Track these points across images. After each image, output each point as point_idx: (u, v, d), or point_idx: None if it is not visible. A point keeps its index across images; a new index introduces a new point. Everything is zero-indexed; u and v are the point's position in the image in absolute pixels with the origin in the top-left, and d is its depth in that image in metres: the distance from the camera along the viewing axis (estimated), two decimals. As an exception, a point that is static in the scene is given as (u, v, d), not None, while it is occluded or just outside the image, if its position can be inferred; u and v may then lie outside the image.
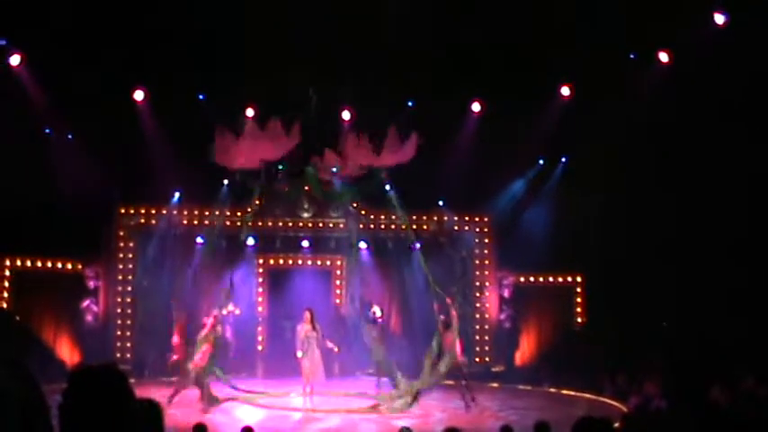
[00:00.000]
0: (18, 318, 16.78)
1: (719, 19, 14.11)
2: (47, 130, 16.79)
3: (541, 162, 18.81)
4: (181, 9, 14.63)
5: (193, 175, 16.99)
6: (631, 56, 15.68)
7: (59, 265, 17.57)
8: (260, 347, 19.12)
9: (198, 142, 16.21)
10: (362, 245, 18.50)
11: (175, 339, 14.12)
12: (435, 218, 18.92)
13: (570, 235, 17.76)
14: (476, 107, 17.81)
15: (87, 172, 16.28)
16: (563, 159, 18.61)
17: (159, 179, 17.51)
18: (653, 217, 16.75)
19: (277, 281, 19.62)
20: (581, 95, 16.78)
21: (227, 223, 17.70)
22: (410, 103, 17.09)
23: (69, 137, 16.81)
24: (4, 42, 14.77)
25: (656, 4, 14.04)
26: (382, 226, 18.51)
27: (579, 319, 19.22)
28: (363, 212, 18.19)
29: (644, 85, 15.40)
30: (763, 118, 14.62)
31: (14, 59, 15.31)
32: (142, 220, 18.21)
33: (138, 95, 16.88)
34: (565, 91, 17.17)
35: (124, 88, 16.50)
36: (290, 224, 18.86)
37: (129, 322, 17.86)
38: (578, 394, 15.98)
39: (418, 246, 19.26)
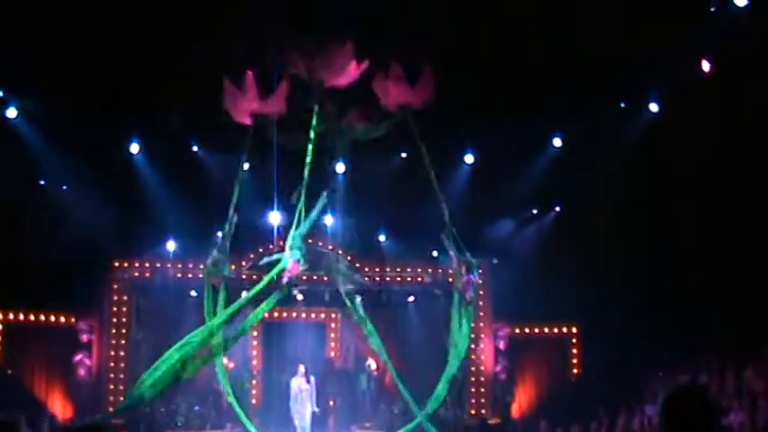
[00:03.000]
0: (10, 371, 16.69)
1: (706, 66, 14.34)
2: (41, 182, 16.84)
3: (535, 212, 18.90)
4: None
5: (188, 229, 17.06)
6: (621, 105, 15.91)
7: (52, 319, 17.51)
8: (254, 401, 18.97)
9: (193, 194, 16.36)
10: (358, 298, 18.45)
11: None
12: (430, 269, 18.91)
13: (565, 285, 17.75)
14: (468, 158, 17.94)
15: (82, 224, 16.31)
16: (557, 208, 18.70)
17: (154, 232, 17.56)
18: (647, 266, 16.81)
19: (271, 334, 19.53)
20: (573, 145, 16.93)
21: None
22: (403, 154, 17.19)
23: (64, 188, 16.88)
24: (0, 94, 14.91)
25: (644, 53, 14.27)
26: (377, 279, 18.51)
27: (575, 370, 19.14)
28: (357, 266, 18.18)
29: (634, 133, 15.61)
30: (752, 166, 14.77)
31: (11, 112, 15.45)
32: (136, 274, 18.18)
33: (134, 148, 16.98)
34: (557, 141, 17.33)
35: (120, 141, 16.60)
36: (285, 277, 18.79)
37: (122, 376, 17.73)
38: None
39: (412, 299, 19.41)
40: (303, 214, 13.03)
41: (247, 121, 12.57)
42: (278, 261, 13.19)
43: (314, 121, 12.80)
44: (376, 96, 12.79)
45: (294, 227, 13.08)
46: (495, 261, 13.92)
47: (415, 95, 12.84)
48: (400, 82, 12.63)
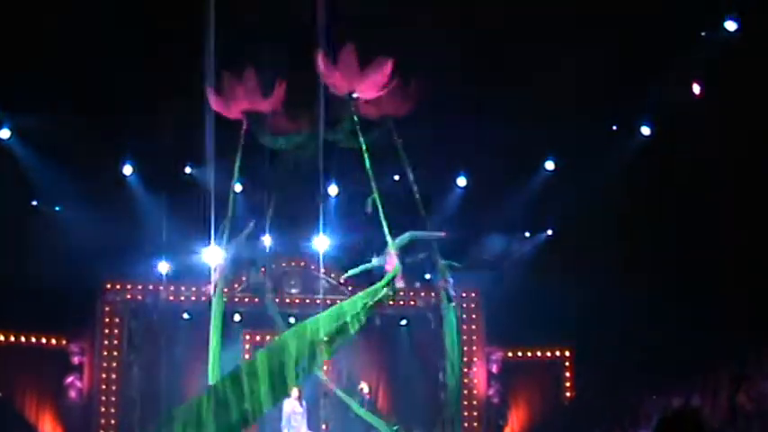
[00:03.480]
0: (0, 394, 16.56)
1: (697, 89, 14.48)
2: (34, 203, 16.84)
3: (527, 235, 18.94)
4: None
5: (181, 251, 17.06)
6: (614, 128, 16.02)
7: (44, 341, 17.43)
8: (247, 424, 18.83)
9: (186, 216, 16.35)
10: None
11: None
12: (422, 293, 18.88)
13: (557, 308, 17.75)
14: (461, 181, 18.01)
15: (74, 245, 16.30)
16: (548, 232, 18.75)
17: (146, 254, 17.56)
18: (640, 288, 16.82)
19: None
20: (565, 168, 17.03)
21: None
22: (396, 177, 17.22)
23: (57, 209, 16.89)
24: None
25: (636, 76, 14.41)
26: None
27: (568, 394, 19.09)
28: (350, 289, 18.19)
29: (626, 157, 15.72)
30: (745, 187, 14.87)
31: (4, 133, 15.51)
32: (128, 296, 18.12)
33: (127, 170, 17.01)
34: (549, 165, 17.43)
35: (113, 162, 16.65)
36: (277, 300, 18.78)
37: (113, 399, 17.62)
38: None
39: (404, 322, 19.36)
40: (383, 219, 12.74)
41: (239, 116, 12.47)
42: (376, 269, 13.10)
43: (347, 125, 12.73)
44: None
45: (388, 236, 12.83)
46: (457, 265, 13.59)
47: (398, 105, 12.81)
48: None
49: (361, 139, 12.45)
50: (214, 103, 12.33)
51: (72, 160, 15.46)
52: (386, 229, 12.70)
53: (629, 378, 17.13)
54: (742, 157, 14.50)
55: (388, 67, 12.08)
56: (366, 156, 12.47)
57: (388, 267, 12.60)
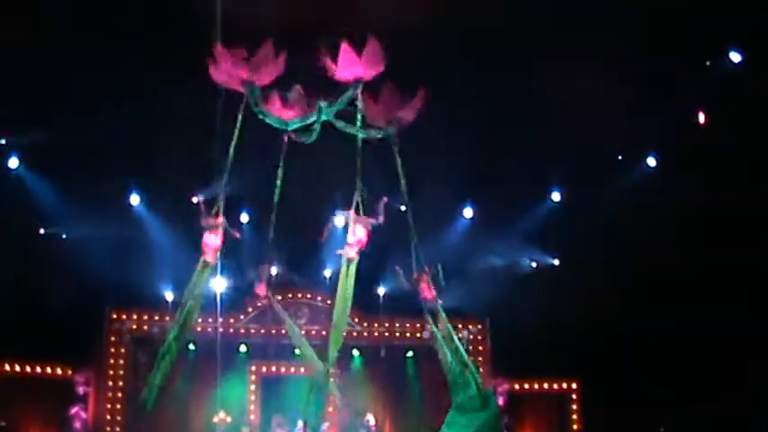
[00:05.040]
0: (5, 424, 16.51)
1: (701, 118, 14.55)
2: (41, 231, 16.91)
3: (534, 264, 18.90)
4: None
5: (187, 280, 17.03)
6: (619, 157, 16.08)
7: (48, 370, 17.37)
8: (252, 457, 18.74)
9: (192, 246, 16.35)
10: (355, 352, 18.47)
11: None
12: (428, 325, 18.78)
13: (565, 340, 17.68)
14: (467, 212, 18.04)
15: (80, 274, 16.32)
16: (555, 261, 18.72)
17: (152, 284, 17.55)
18: (649, 320, 16.76)
19: (270, 389, 19.36)
20: (571, 198, 17.06)
21: (220, 330, 17.74)
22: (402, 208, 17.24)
23: (63, 237, 16.95)
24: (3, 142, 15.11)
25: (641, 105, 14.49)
26: (375, 333, 18.48)
27: (575, 426, 18.92)
28: (357, 320, 18.18)
29: (632, 186, 15.76)
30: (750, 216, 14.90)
31: (12, 162, 15.65)
32: (134, 326, 18.08)
33: (134, 200, 17.11)
34: (555, 196, 17.46)
35: (120, 191, 16.75)
36: (284, 331, 18.66)
37: (118, 429, 17.54)
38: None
39: (411, 354, 19.28)
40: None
41: (239, 88, 11.81)
42: None
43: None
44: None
45: None
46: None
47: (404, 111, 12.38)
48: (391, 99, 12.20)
49: (360, 132, 12.19)
50: (215, 72, 11.77)
51: (79, 188, 15.54)
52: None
53: (638, 410, 17.02)
54: (748, 184, 14.55)
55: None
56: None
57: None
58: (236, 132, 11.84)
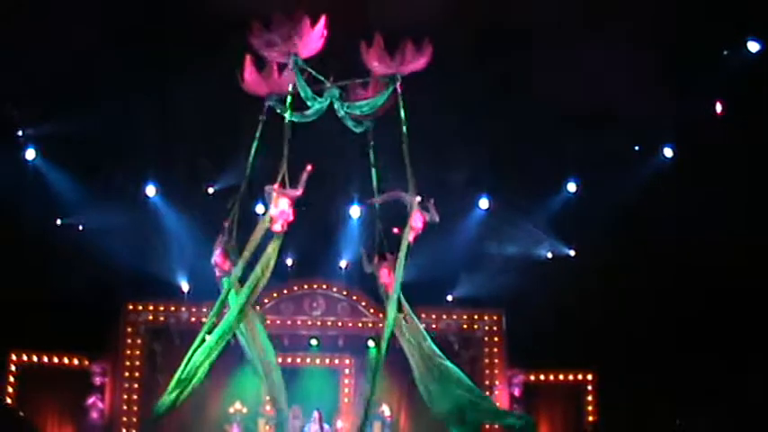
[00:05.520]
0: (22, 413, 16.58)
1: (719, 108, 14.49)
2: (58, 221, 16.99)
3: (549, 255, 18.86)
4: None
5: (203, 271, 17.08)
6: (636, 148, 16.02)
7: (66, 361, 17.46)
8: (267, 447, 18.80)
9: (209, 237, 16.40)
10: (371, 343, 18.46)
11: None
12: (444, 316, 18.81)
13: (581, 330, 17.64)
14: (483, 203, 18.02)
15: (96, 265, 16.40)
16: (571, 252, 18.67)
17: (169, 275, 17.62)
18: (664, 311, 16.70)
19: (285, 380, 19.33)
20: (586, 188, 17.02)
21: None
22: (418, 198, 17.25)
23: (80, 228, 17.03)
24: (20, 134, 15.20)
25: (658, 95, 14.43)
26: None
27: (591, 418, 18.88)
28: (372, 311, 18.20)
29: (648, 176, 15.71)
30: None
31: (30, 153, 15.74)
32: (150, 317, 18.15)
33: (150, 191, 17.17)
34: (571, 186, 17.42)
35: (137, 182, 16.81)
36: (299, 322, 18.76)
37: (135, 420, 17.62)
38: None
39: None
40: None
41: (262, 93, 12.12)
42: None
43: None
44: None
45: None
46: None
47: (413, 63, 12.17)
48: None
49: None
50: (249, 76, 12.03)
51: (96, 179, 15.62)
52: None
53: (653, 402, 16.96)
54: (762, 176, 14.48)
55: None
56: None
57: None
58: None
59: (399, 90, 12.06)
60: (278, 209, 11.54)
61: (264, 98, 12.13)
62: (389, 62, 11.97)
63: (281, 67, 11.93)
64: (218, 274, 12.18)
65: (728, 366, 15.78)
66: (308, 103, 11.93)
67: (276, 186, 11.57)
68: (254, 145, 11.96)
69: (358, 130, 12.63)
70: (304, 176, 11.63)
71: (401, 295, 12.34)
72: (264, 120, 12.01)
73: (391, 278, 12.37)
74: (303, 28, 11.49)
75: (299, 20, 11.43)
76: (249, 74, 12.01)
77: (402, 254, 11.88)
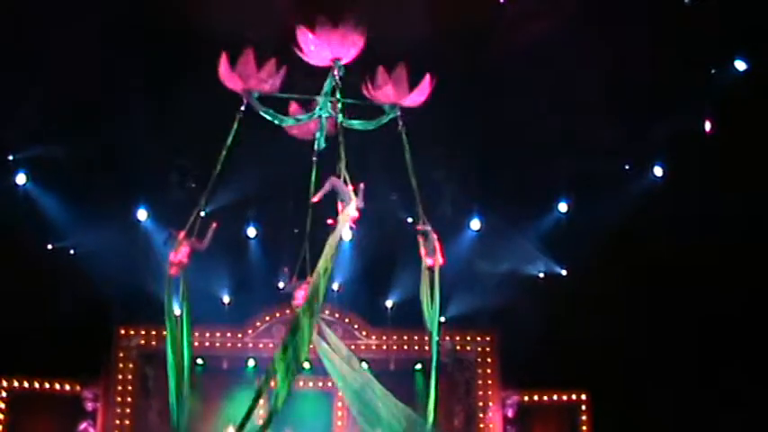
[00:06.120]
0: (14, 441, 16.55)
1: (707, 126, 14.60)
2: (49, 246, 16.96)
3: (541, 275, 18.86)
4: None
5: (193, 296, 17.04)
6: (626, 167, 16.09)
7: (57, 386, 17.36)
8: (260, 471, 18.67)
9: (201, 261, 16.38)
10: (363, 365, 18.36)
11: None
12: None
13: (574, 350, 17.62)
14: (474, 224, 18.04)
15: (88, 291, 16.36)
16: (563, 272, 18.69)
17: (160, 299, 17.52)
18: (657, 329, 16.72)
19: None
20: (578, 207, 17.07)
21: (228, 345, 17.85)
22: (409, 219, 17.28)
23: (72, 252, 16.99)
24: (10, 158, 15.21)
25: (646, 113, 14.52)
26: (384, 346, 18.44)
27: (585, 439, 18.85)
28: (365, 334, 18.18)
29: (639, 195, 15.77)
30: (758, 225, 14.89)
31: (20, 178, 15.75)
32: (142, 342, 18.08)
33: (141, 215, 17.17)
34: (562, 207, 17.47)
35: (127, 206, 16.80)
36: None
37: (126, 445, 17.56)
38: None
39: (419, 366, 19.22)
40: None
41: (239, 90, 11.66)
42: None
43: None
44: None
45: None
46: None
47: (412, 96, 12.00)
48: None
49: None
50: (224, 74, 11.55)
51: (87, 203, 15.61)
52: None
53: (647, 422, 16.94)
54: (752, 193, 14.56)
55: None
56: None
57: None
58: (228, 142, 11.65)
59: (401, 122, 11.89)
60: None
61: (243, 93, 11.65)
62: (390, 93, 11.83)
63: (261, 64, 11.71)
64: (174, 271, 11.88)
65: (722, 388, 15.79)
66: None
67: (182, 235, 11.50)
68: (229, 140, 11.62)
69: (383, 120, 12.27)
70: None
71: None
72: (241, 116, 11.62)
73: (304, 300, 12.30)
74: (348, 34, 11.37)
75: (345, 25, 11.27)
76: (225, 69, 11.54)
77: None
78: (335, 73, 11.50)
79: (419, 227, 12.16)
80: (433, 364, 12.21)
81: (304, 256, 12.72)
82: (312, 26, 11.25)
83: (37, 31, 14.21)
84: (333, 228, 11.33)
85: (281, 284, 12.83)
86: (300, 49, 11.45)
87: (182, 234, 11.54)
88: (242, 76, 11.48)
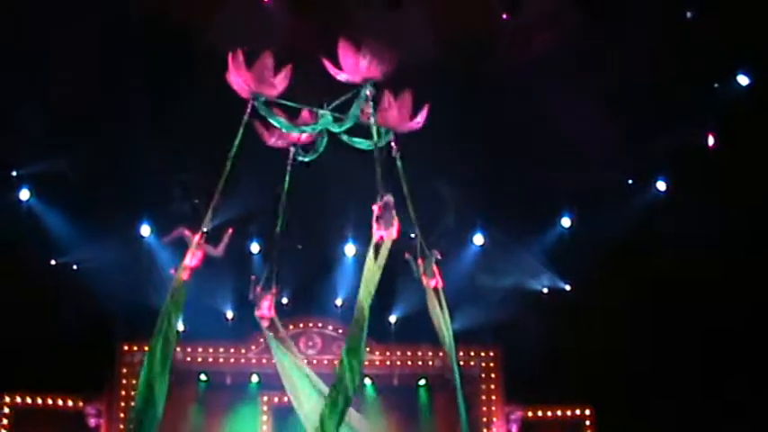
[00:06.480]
0: (16, 457, 16.52)
1: (711, 141, 14.61)
2: (52, 262, 16.97)
3: (545, 290, 18.83)
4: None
5: (197, 311, 17.06)
6: (629, 181, 16.10)
7: (60, 402, 17.34)
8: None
9: (203, 277, 16.39)
10: (367, 381, 18.36)
11: None
12: (441, 353, 18.71)
13: (579, 365, 17.58)
14: (478, 239, 18.04)
15: (91, 306, 16.36)
16: (566, 287, 18.66)
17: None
18: (662, 344, 16.67)
19: (282, 419, 19.24)
20: (580, 222, 17.06)
21: (232, 360, 17.82)
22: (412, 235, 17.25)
23: (75, 268, 17.00)
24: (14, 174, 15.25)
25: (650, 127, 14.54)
26: (388, 362, 18.42)
27: (590, 455, 18.77)
28: (369, 349, 18.11)
29: (642, 210, 15.78)
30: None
31: (23, 194, 15.79)
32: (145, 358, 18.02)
33: (145, 230, 17.18)
34: (565, 222, 17.46)
35: (130, 222, 16.81)
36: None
37: (130, 461, 17.50)
38: None
39: (423, 382, 19.19)
40: None
41: (245, 95, 11.48)
42: None
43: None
44: None
45: None
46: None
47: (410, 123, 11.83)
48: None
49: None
50: (234, 74, 11.30)
51: (91, 219, 15.63)
52: None
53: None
54: (756, 207, 14.56)
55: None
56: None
57: None
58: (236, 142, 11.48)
59: (396, 149, 11.71)
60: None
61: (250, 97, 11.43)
62: (392, 118, 11.65)
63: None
64: (186, 276, 11.80)
65: (726, 401, 15.73)
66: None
67: (198, 237, 11.36)
68: (236, 143, 11.40)
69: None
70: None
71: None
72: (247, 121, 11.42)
73: (271, 313, 12.25)
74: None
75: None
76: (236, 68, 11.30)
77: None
78: (368, 93, 11.25)
79: (420, 260, 12.16)
80: (457, 383, 11.98)
81: (273, 268, 12.64)
82: (355, 41, 11.03)
83: (37, 33, 14.22)
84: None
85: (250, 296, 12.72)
86: (333, 62, 11.20)
87: (198, 237, 11.37)
88: (255, 79, 11.26)
